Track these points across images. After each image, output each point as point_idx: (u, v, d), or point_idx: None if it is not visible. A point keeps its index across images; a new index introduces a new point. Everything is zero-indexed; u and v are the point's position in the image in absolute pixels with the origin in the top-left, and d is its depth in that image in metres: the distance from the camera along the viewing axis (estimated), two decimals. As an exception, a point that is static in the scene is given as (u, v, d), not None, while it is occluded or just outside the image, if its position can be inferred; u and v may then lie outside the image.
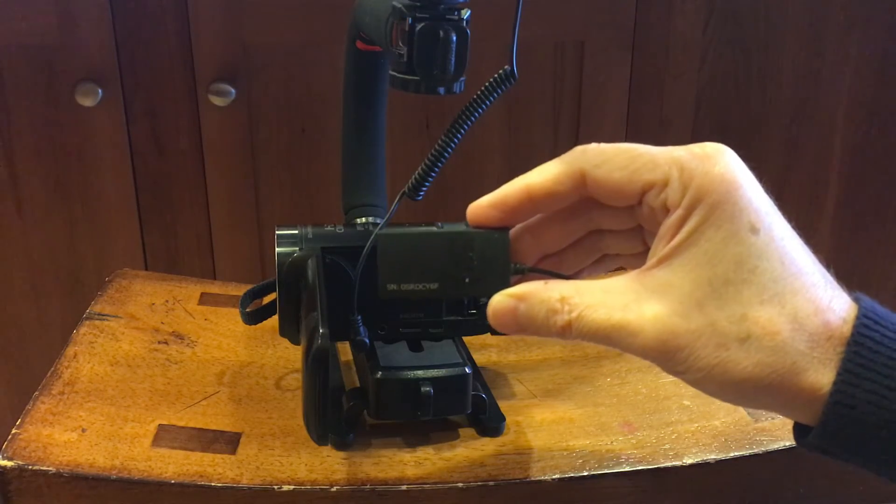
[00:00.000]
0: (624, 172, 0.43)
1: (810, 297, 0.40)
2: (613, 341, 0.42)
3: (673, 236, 0.41)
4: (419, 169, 0.54)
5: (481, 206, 0.48)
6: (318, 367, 0.48)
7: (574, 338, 0.43)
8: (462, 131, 0.53)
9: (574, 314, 0.42)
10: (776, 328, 0.39)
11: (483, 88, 0.53)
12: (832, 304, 0.40)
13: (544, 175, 0.46)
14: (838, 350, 0.39)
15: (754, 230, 0.40)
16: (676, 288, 0.41)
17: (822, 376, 0.39)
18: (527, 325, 0.44)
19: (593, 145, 0.44)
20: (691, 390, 0.62)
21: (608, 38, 1.34)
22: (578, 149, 0.45)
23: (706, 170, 0.41)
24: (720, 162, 0.41)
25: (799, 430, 0.42)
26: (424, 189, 0.55)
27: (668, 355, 0.41)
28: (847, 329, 0.40)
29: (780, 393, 0.40)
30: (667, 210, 0.42)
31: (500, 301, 0.44)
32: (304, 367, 0.51)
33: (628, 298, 0.42)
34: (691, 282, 0.40)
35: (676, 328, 0.40)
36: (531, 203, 0.47)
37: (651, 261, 0.42)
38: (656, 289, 0.41)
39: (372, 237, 0.55)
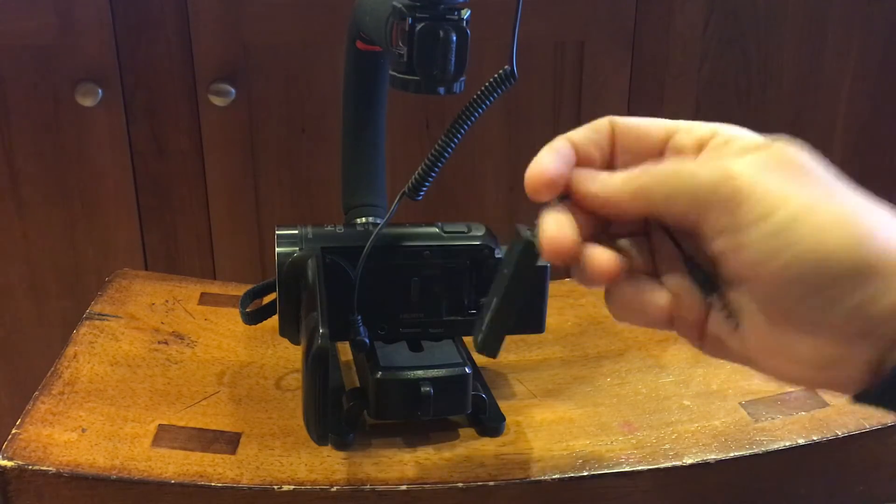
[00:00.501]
0: (646, 121, 0.44)
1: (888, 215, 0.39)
2: (679, 178, 0.40)
3: (723, 147, 0.40)
4: (419, 169, 0.54)
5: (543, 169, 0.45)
6: (318, 367, 0.48)
7: (642, 183, 0.41)
8: (462, 131, 0.53)
9: (661, 171, 0.41)
10: (850, 194, 0.39)
11: (483, 88, 0.53)
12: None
13: (579, 130, 0.46)
14: None
15: (835, 192, 0.40)
16: (752, 154, 0.39)
17: None
18: (604, 178, 0.43)
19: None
20: (691, 390, 0.62)
21: (608, 38, 1.34)
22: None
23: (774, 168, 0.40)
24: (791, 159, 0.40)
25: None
26: (424, 189, 0.55)
27: (741, 185, 0.38)
28: None
29: (867, 259, 0.36)
30: (698, 146, 0.41)
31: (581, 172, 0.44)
32: (304, 367, 0.51)
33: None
34: (768, 152, 0.39)
35: (769, 170, 0.38)
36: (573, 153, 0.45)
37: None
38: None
39: (372, 237, 0.56)
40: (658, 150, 0.44)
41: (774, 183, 0.37)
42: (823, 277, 0.36)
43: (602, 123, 0.46)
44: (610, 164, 0.45)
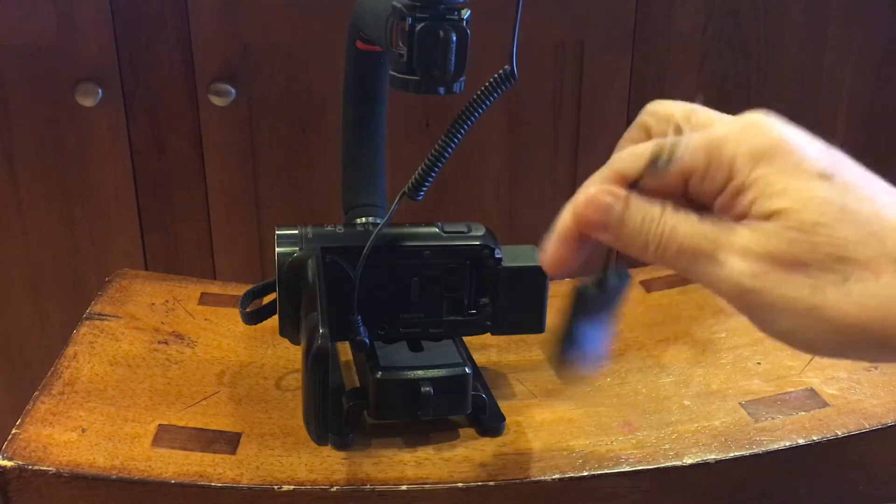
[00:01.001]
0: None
1: None
2: (698, 267, 0.39)
3: (743, 194, 0.39)
4: (419, 169, 0.54)
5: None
6: (318, 367, 0.48)
7: (660, 254, 0.40)
8: (462, 131, 0.53)
9: (668, 226, 0.40)
10: (879, 268, 0.36)
11: (483, 88, 0.53)
12: None
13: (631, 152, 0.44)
14: None
15: (824, 174, 0.38)
16: (766, 228, 0.38)
17: None
18: (615, 227, 0.41)
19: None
20: (691, 390, 0.62)
21: (608, 38, 1.34)
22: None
23: (744, 134, 0.41)
24: (762, 124, 0.41)
25: None
26: (424, 189, 0.55)
27: (755, 295, 0.38)
28: None
29: (890, 338, 0.36)
30: (718, 191, 0.40)
31: (601, 191, 0.42)
32: (303, 367, 0.51)
33: (719, 228, 0.39)
34: (780, 225, 0.37)
35: (769, 264, 0.37)
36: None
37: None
38: (745, 230, 0.39)
39: (372, 237, 0.56)
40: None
41: (770, 295, 0.38)
42: (846, 355, 0.38)
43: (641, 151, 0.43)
44: None
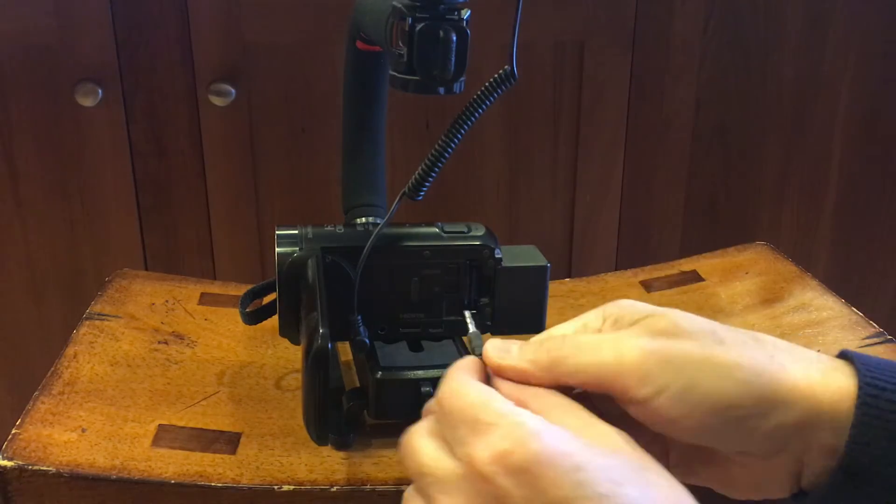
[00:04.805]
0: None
1: (755, 332, 0.45)
2: (585, 357, 0.43)
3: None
4: (419, 169, 0.54)
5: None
6: (318, 367, 0.48)
7: (562, 371, 0.44)
8: (462, 131, 0.53)
9: (567, 346, 0.44)
10: (736, 336, 0.44)
11: (483, 89, 0.53)
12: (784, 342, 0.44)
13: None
14: (838, 366, 0.43)
15: (720, 341, 0.43)
16: (649, 324, 0.44)
17: (840, 380, 0.42)
18: (517, 358, 0.45)
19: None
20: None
21: (608, 38, 1.34)
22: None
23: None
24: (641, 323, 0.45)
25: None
26: (425, 189, 0.55)
27: (659, 353, 0.42)
28: (828, 356, 0.44)
29: (776, 390, 0.42)
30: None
31: (493, 344, 0.46)
32: (303, 367, 0.51)
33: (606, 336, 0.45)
34: (662, 320, 0.44)
35: (661, 336, 0.43)
36: None
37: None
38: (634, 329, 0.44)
39: (372, 237, 0.56)
40: None
41: (666, 351, 0.42)
42: (736, 420, 0.42)
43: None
44: None
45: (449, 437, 0.42)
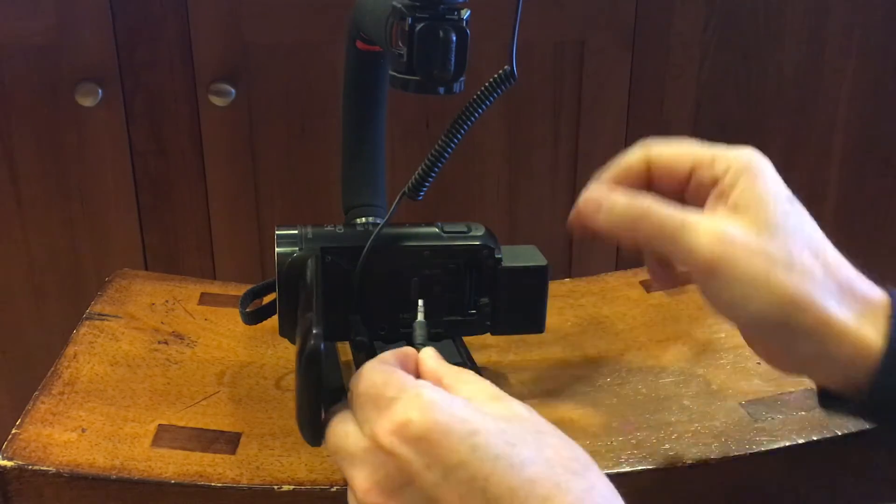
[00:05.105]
0: (678, 151, 0.52)
1: (838, 257, 0.50)
2: (673, 238, 0.49)
3: (727, 194, 0.49)
4: (419, 169, 0.54)
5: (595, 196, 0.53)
6: (311, 367, 0.48)
7: (639, 226, 0.50)
8: (462, 131, 0.53)
9: (645, 205, 0.50)
10: (813, 268, 0.48)
11: (483, 89, 0.53)
12: (858, 276, 0.49)
13: (625, 157, 0.54)
14: (884, 314, 0.48)
15: (791, 201, 0.50)
16: (734, 218, 0.48)
17: (869, 332, 0.47)
18: (606, 211, 0.51)
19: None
20: (691, 390, 0.62)
21: (608, 38, 1.34)
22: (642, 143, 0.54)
23: (741, 154, 0.50)
24: (750, 152, 0.51)
25: (826, 399, 0.51)
26: (425, 189, 0.55)
27: (719, 261, 0.47)
28: (885, 299, 0.49)
29: (813, 323, 0.47)
30: (713, 183, 0.50)
31: (591, 190, 0.52)
32: (297, 367, 0.51)
33: (687, 212, 0.49)
34: (749, 218, 0.48)
35: (733, 237, 0.47)
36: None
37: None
38: (719, 216, 0.49)
39: (372, 237, 0.56)
40: (687, 180, 0.52)
41: (735, 264, 0.47)
42: (770, 334, 0.49)
43: (636, 157, 0.54)
44: (648, 188, 0.53)
45: (359, 418, 0.45)
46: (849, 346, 0.47)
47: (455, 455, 0.41)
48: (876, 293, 0.49)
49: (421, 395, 0.43)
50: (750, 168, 0.49)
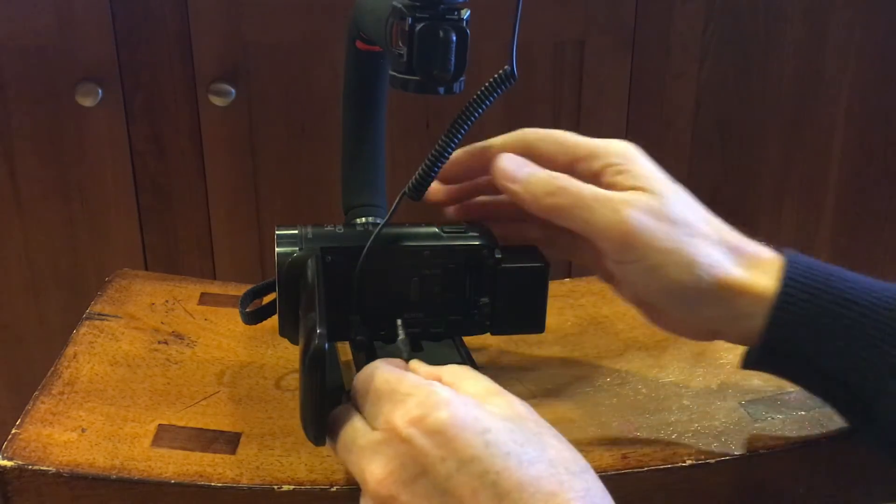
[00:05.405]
0: (557, 143, 0.56)
1: (723, 225, 0.54)
2: (587, 212, 0.52)
3: (621, 175, 0.53)
4: (419, 169, 0.54)
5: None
6: (316, 367, 0.48)
7: (556, 200, 0.53)
8: (462, 132, 0.53)
9: (564, 180, 0.53)
10: (707, 232, 0.53)
11: (483, 89, 0.53)
12: (745, 239, 0.54)
13: (501, 140, 0.58)
14: (776, 267, 0.52)
15: (672, 179, 0.55)
16: (636, 193, 0.53)
17: (762, 281, 0.52)
18: (524, 179, 0.54)
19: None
20: (691, 390, 0.62)
21: (608, 38, 1.34)
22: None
23: (618, 144, 0.55)
24: (625, 142, 0.55)
25: (747, 357, 0.55)
26: (425, 189, 0.55)
27: (633, 231, 0.51)
28: (776, 256, 0.53)
29: (715, 282, 0.52)
30: (593, 175, 0.54)
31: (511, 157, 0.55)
32: (301, 367, 0.51)
33: (600, 190, 0.53)
34: (648, 193, 0.53)
35: (642, 208, 0.52)
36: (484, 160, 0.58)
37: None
38: (628, 193, 0.53)
39: (372, 237, 0.56)
40: (564, 171, 0.55)
41: (649, 233, 0.51)
42: (680, 301, 0.53)
43: (512, 141, 0.57)
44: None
45: (368, 413, 0.47)
46: (747, 297, 0.52)
47: (470, 449, 0.42)
48: (766, 252, 0.54)
49: (435, 391, 0.45)
50: (630, 154, 0.54)
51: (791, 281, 0.51)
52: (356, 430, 0.47)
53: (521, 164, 0.55)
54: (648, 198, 0.52)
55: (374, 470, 0.44)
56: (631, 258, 0.52)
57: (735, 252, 0.53)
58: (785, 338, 0.51)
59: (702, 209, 0.54)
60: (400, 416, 0.44)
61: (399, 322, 0.57)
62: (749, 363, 0.55)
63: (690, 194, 0.55)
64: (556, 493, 0.42)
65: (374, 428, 0.46)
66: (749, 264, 0.53)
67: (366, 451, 0.45)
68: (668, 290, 0.52)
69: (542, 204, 0.53)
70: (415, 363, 0.51)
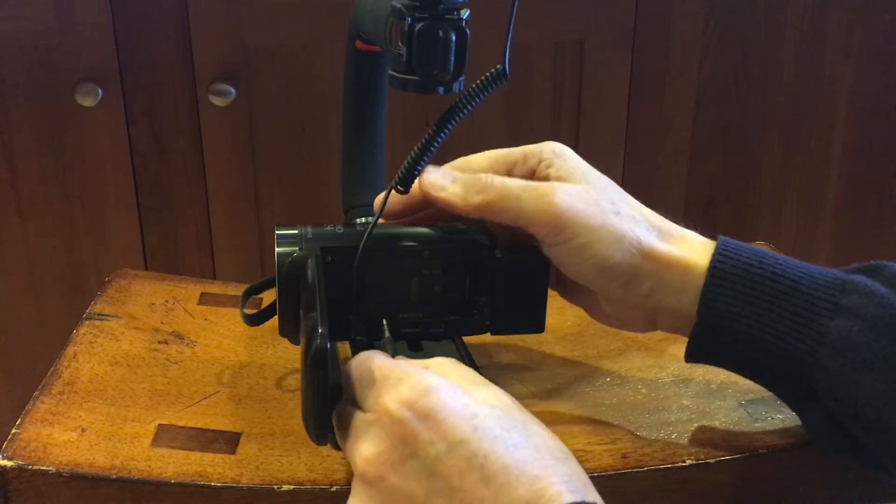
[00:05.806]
0: (492, 160, 0.59)
1: (650, 211, 0.57)
2: (519, 199, 0.54)
3: (549, 170, 0.57)
4: (406, 161, 0.55)
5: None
6: (317, 367, 0.48)
7: (489, 197, 0.55)
8: (449, 126, 0.54)
9: (496, 179, 0.55)
10: (633, 214, 0.55)
11: (474, 86, 0.53)
12: (671, 223, 0.57)
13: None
14: (706, 247, 0.55)
15: (597, 171, 0.58)
16: (563, 182, 0.56)
17: (692, 257, 0.54)
18: (457, 181, 0.57)
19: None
20: (691, 390, 0.62)
21: (608, 38, 1.34)
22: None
23: (547, 144, 0.59)
24: (553, 142, 0.59)
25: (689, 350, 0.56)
26: (412, 181, 0.56)
27: (564, 214, 0.53)
28: (705, 239, 0.56)
29: (646, 258, 0.54)
30: (530, 174, 0.57)
31: (434, 176, 0.57)
32: (303, 367, 0.51)
33: (529, 183, 0.56)
34: (574, 181, 0.56)
35: (571, 193, 0.54)
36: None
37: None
38: (556, 184, 0.56)
39: (366, 235, 0.56)
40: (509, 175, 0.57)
41: (577, 212, 0.54)
42: (613, 277, 0.55)
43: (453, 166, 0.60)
44: None
45: (360, 397, 0.48)
46: (675, 270, 0.54)
47: (459, 433, 0.44)
48: (694, 234, 0.56)
49: (425, 378, 0.46)
50: (559, 150, 0.58)
51: (722, 256, 0.53)
52: (348, 414, 0.48)
53: (446, 173, 0.57)
54: (574, 185, 0.55)
55: (364, 450, 0.46)
56: (562, 239, 0.54)
57: (660, 231, 0.55)
58: (719, 311, 0.53)
59: (629, 197, 0.57)
60: (392, 399, 0.46)
61: (384, 322, 0.58)
62: (690, 351, 0.56)
63: (619, 187, 0.57)
64: (540, 477, 0.43)
65: (366, 409, 0.48)
66: (675, 241, 0.55)
67: (357, 432, 0.47)
68: (600, 267, 0.54)
69: (472, 203, 0.55)
70: (401, 358, 0.52)
